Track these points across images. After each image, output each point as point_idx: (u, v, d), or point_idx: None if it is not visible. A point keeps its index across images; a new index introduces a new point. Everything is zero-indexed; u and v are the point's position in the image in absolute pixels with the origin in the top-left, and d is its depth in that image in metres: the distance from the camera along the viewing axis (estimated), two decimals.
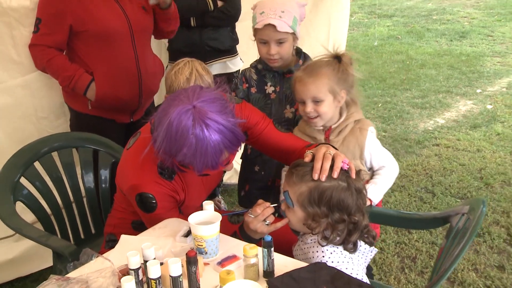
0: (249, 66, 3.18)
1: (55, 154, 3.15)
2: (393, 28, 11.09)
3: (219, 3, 3.97)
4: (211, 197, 3.79)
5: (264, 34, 2.82)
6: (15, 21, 3.39)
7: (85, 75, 3.26)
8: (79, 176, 3.16)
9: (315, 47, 4.41)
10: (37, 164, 3.03)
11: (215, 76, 3.20)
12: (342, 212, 2.01)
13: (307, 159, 2.07)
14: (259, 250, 1.91)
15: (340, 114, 2.62)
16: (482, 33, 10.56)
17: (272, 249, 1.90)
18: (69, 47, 3.35)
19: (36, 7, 3.31)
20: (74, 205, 3.17)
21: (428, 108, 6.72)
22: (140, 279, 1.82)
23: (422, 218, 2.88)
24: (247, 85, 3.04)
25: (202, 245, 1.98)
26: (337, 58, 2.59)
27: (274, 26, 2.74)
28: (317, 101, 2.53)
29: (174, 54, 4.00)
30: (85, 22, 3.22)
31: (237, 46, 4.26)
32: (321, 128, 2.63)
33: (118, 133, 3.39)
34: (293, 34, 2.86)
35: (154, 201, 2.23)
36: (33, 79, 3.58)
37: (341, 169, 2.04)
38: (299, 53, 3.06)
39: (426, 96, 7.11)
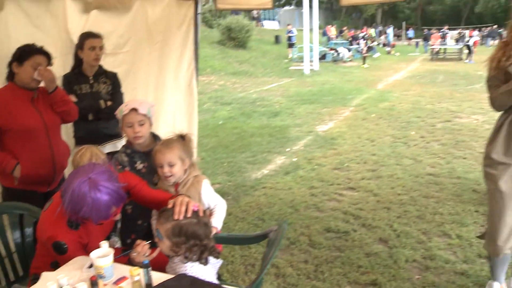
0: (119, 152, 3.01)
1: None
2: (231, 111, 11.09)
3: (108, 103, 3.77)
4: (108, 238, 3.64)
5: (129, 118, 2.75)
6: None
7: (12, 160, 3.03)
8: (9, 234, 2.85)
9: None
10: None
11: (108, 153, 3.11)
12: (195, 239, 2.04)
13: (169, 206, 2.09)
14: (141, 270, 1.90)
15: (185, 173, 2.64)
16: (287, 112, 10.75)
17: (150, 268, 1.90)
18: (0, 141, 3.09)
19: None
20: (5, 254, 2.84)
21: (257, 163, 6.72)
22: None
23: (250, 237, 2.93)
24: (120, 166, 2.82)
25: (101, 272, 1.92)
26: (182, 137, 2.64)
27: (136, 110, 2.72)
28: (171, 165, 2.54)
29: (79, 140, 3.74)
30: (9, 123, 3.01)
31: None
32: (172, 183, 2.63)
33: (39, 200, 3.02)
34: (149, 119, 2.82)
35: (65, 246, 2.12)
36: None
37: (192, 210, 2.09)
38: (154, 136, 2.97)
39: (255, 156, 7.11)
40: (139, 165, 2.87)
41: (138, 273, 1.85)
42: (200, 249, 2.04)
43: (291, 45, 24.08)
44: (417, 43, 31.73)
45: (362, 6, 44.63)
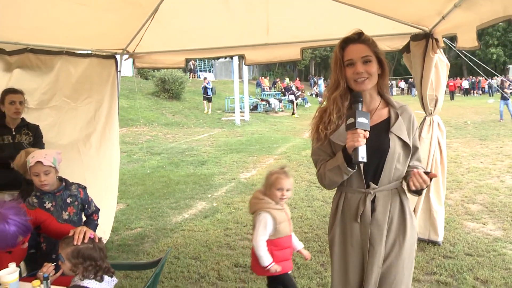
0: (30, 198, 3.28)
1: None
2: (161, 161, 11.44)
3: None
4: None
5: (35, 169, 3.14)
6: None
7: None
8: None
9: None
10: None
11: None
12: (91, 260, 2.53)
13: (70, 234, 2.58)
14: (42, 283, 2.36)
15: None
16: (214, 161, 11.25)
17: (49, 281, 2.36)
18: None
19: None
20: None
21: (179, 209, 7.12)
22: None
23: (145, 263, 3.29)
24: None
25: (7, 287, 2.34)
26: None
27: (41, 162, 3.13)
28: (288, 190, 3.32)
29: (1, 187, 4.09)
30: None
31: None
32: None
33: None
34: (54, 167, 3.21)
35: None
36: None
37: (89, 237, 2.59)
38: (61, 179, 3.36)
39: (178, 202, 7.50)
40: (48, 205, 3.27)
41: (39, 285, 2.31)
42: (95, 268, 2.52)
43: (207, 99, 23.47)
44: None
45: None
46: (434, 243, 5.17)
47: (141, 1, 4.26)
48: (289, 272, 3.51)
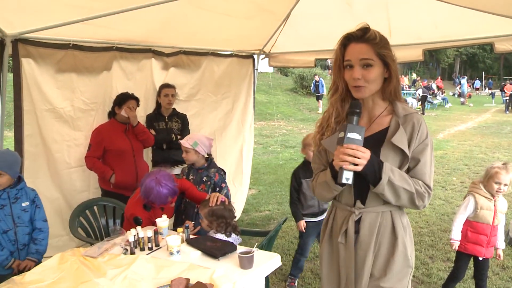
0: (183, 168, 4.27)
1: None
2: (294, 154, 11.96)
3: (178, 137, 4.88)
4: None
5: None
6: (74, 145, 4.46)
7: (109, 171, 4.32)
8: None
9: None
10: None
11: (176, 175, 4.19)
12: (222, 218, 3.22)
13: (207, 198, 3.32)
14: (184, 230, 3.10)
15: None
16: None
17: (189, 229, 3.09)
18: (103, 157, 4.38)
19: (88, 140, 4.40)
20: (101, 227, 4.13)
21: None
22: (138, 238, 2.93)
23: (266, 231, 3.88)
24: (184, 176, 4.08)
25: (161, 230, 3.11)
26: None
27: (182, 143, 3.97)
28: (505, 184, 3.56)
29: (155, 163, 4.96)
30: (110, 146, 4.32)
31: None
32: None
33: (125, 200, 4.02)
34: (193, 149, 3.92)
35: (141, 220, 3.25)
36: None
37: (221, 201, 3.27)
38: (207, 159, 4.08)
39: None
40: (191, 177, 4.06)
41: (182, 231, 3.04)
42: (226, 225, 3.21)
43: (318, 97, 21.22)
44: (492, 94, 31.29)
45: (439, 55, 44.73)
46: None
47: (275, 9, 4.90)
48: (481, 258, 3.82)
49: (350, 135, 1.85)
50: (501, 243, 3.82)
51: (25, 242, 3.28)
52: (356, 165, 1.86)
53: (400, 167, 2.00)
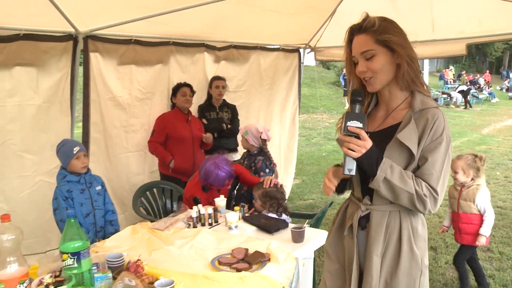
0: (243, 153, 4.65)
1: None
2: (337, 146, 11.60)
3: (229, 126, 5.22)
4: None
5: None
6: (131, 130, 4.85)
7: (169, 156, 4.63)
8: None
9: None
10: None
11: (233, 161, 4.45)
12: (274, 199, 3.51)
13: (261, 181, 3.63)
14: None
15: (470, 181, 3.80)
16: None
17: (244, 208, 3.41)
18: (165, 143, 4.71)
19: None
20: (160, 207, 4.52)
21: None
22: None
23: (312, 214, 4.27)
24: (242, 160, 4.53)
25: (219, 208, 3.46)
26: (475, 156, 3.77)
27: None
28: (456, 172, 3.78)
29: (208, 152, 5.05)
30: (172, 133, 4.64)
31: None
32: (458, 184, 3.84)
33: (182, 184, 4.48)
34: (244, 137, 4.36)
35: (199, 199, 3.58)
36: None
37: (274, 183, 3.58)
38: (260, 147, 4.42)
39: None
40: (245, 162, 4.43)
41: (239, 209, 3.37)
42: (277, 206, 3.51)
43: (346, 93, 18.67)
44: None
45: (486, 48, 43.58)
46: None
47: (321, 6, 5.15)
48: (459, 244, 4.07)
49: (350, 123, 1.80)
50: (483, 230, 3.85)
51: (102, 224, 3.50)
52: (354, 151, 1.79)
53: (407, 166, 1.88)
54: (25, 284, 2.04)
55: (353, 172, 1.81)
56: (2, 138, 3.80)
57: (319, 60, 6.81)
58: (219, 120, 5.31)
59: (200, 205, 3.34)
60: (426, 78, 20.54)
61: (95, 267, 2.28)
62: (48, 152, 3.96)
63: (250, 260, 2.54)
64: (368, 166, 1.83)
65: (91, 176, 3.51)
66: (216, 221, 3.31)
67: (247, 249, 2.66)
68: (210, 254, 2.69)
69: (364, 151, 1.78)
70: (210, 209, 3.28)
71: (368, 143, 1.80)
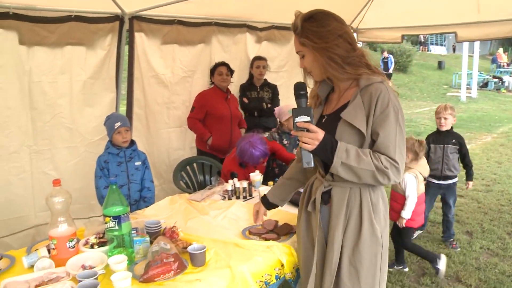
0: (272, 132, 4.72)
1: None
2: None
3: (269, 105, 5.36)
4: None
5: None
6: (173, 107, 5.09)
7: (207, 133, 4.79)
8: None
9: None
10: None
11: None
12: None
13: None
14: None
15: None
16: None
17: None
18: (203, 120, 4.86)
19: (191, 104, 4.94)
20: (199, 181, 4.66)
21: None
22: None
23: None
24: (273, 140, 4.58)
25: (253, 183, 3.61)
26: (418, 141, 3.96)
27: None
28: None
29: (248, 130, 5.27)
30: (211, 110, 4.78)
31: None
32: None
33: (219, 161, 4.73)
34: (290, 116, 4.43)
35: (237, 175, 3.73)
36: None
37: None
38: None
39: None
40: (285, 141, 4.55)
41: (272, 184, 3.52)
42: None
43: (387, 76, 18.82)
44: None
45: None
46: None
47: None
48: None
49: (298, 118, 1.88)
50: (404, 213, 3.93)
51: (136, 198, 3.61)
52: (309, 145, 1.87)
53: (362, 144, 1.94)
54: (73, 242, 2.31)
55: (312, 164, 1.90)
56: (53, 112, 4.08)
57: (361, 41, 6.82)
58: (260, 99, 5.45)
59: (235, 179, 3.51)
60: (476, 61, 19.90)
61: (135, 232, 2.50)
62: (93, 124, 4.28)
63: (279, 232, 2.69)
64: (324, 156, 1.90)
65: (133, 151, 3.62)
66: (250, 195, 3.47)
67: (277, 221, 2.82)
68: (242, 224, 2.86)
69: (317, 143, 1.86)
70: (244, 183, 3.44)
71: (320, 134, 1.87)
